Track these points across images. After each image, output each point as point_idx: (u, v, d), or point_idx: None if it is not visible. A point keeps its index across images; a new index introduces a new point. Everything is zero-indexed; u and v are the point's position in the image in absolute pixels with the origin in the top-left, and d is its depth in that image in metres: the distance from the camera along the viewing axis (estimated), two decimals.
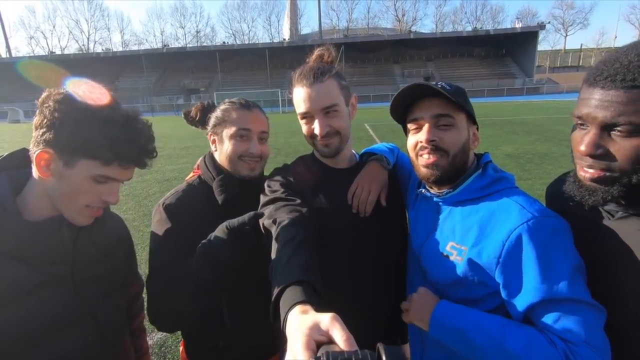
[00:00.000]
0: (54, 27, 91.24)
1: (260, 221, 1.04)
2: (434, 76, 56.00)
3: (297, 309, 0.63)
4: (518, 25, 65.52)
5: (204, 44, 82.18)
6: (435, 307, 0.96)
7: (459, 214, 1.02)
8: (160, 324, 1.14)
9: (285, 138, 13.73)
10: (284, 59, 60.85)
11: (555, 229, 0.87)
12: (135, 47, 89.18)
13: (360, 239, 1.17)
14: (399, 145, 1.45)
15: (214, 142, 1.30)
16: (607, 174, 0.79)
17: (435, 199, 1.08)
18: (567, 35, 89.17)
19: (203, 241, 1.08)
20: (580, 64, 70.03)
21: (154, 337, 2.82)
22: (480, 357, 0.87)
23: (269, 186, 1.19)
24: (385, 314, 1.22)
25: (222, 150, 1.26)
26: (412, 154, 1.07)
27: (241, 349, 1.27)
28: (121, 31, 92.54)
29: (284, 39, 77.25)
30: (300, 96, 1.14)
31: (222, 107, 1.29)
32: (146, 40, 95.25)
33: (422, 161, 1.03)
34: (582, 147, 0.80)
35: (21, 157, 0.95)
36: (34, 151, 0.85)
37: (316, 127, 1.14)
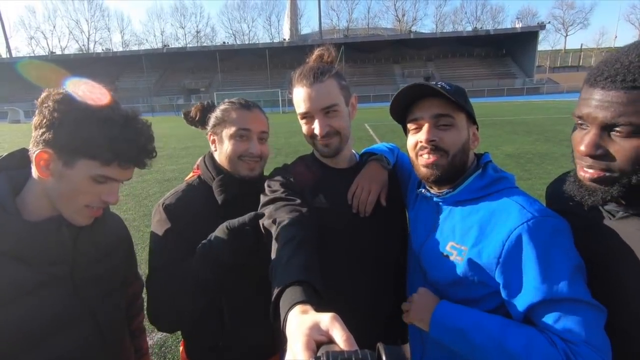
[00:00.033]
0: (54, 27, 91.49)
1: (260, 221, 1.04)
2: (434, 76, 56.01)
3: (297, 308, 0.63)
4: (518, 25, 65.53)
5: (204, 44, 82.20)
6: (435, 308, 0.96)
7: (459, 214, 1.02)
8: (160, 324, 1.14)
9: (285, 138, 13.73)
10: (284, 59, 60.86)
11: (555, 229, 0.87)
12: (135, 47, 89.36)
13: (360, 239, 1.17)
14: (399, 145, 1.44)
15: (213, 142, 1.30)
16: (607, 174, 0.79)
17: (435, 198, 1.08)
18: (567, 35, 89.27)
19: (203, 241, 1.08)
20: (581, 64, 70.04)
21: (154, 337, 2.82)
22: (480, 357, 0.87)
23: (269, 186, 1.19)
24: (385, 314, 1.22)
25: (222, 150, 1.26)
26: (412, 154, 1.07)
27: (241, 349, 1.27)
28: (121, 31, 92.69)
29: (284, 39, 77.29)
30: (300, 96, 1.14)
31: (222, 107, 1.28)
32: (146, 40, 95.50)
33: (422, 161, 1.03)
34: (582, 147, 0.81)
35: (21, 157, 0.95)
36: (34, 151, 0.85)
37: (316, 127, 1.14)
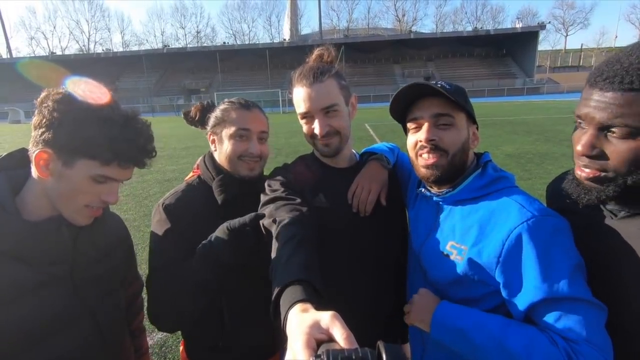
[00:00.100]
0: (54, 27, 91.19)
1: (261, 221, 1.04)
2: (434, 76, 55.98)
3: (297, 307, 0.63)
4: (518, 25, 65.53)
5: (205, 44, 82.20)
6: (435, 308, 0.96)
7: (459, 213, 1.02)
8: (161, 324, 1.14)
9: (285, 138, 13.73)
10: (284, 59, 60.84)
11: (555, 228, 0.87)
12: (135, 48, 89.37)
13: (360, 239, 1.17)
14: (399, 145, 1.44)
15: (213, 142, 1.30)
16: (602, 174, 0.80)
17: (435, 198, 1.08)
18: (567, 35, 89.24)
19: (203, 242, 1.07)
20: (581, 64, 69.97)
21: (154, 337, 2.82)
22: (481, 357, 0.87)
23: (269, 185, 1.19)
24: (385, 313, 1.22)
25: (222, 150, 1.26)
26: (411, 154, 1.07)
27: (241, 349, 1.27)
28: (122, 31, 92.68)
29: (284, 39, 77.31)
30: (300, 96, 1.14)
31: (222, 107, 1.28)
32: (146, 40, 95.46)
33: (422, 162, 1.03)
34: (579, 147, 0.82)
35: (20, 157, 0.95)
36: (33, 151, 0.85)
37: (316, 127, 1.14)
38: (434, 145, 0.99)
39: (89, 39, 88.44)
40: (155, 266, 1.15)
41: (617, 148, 0.76)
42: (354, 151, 1.35)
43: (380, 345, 0.44)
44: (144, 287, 1.19)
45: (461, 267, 0.95)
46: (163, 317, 1.13)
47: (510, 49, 61.06)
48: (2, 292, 0.82)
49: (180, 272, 1.09)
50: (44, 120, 0.83)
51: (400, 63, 63.94)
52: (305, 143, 1.24)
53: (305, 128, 1.19)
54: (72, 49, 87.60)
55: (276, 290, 0.72)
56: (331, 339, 0.52)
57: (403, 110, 1.08)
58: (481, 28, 74.58)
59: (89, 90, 0.88)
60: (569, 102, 29.35)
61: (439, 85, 0.96)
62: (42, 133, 0.84)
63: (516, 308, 0.87)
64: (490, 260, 0.90)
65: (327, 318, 0.54)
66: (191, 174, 1.38)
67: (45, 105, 0.84)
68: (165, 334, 2.82)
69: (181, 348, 1.39)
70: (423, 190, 1.12)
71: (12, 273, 0.83)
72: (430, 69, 59.50)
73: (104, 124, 0.86)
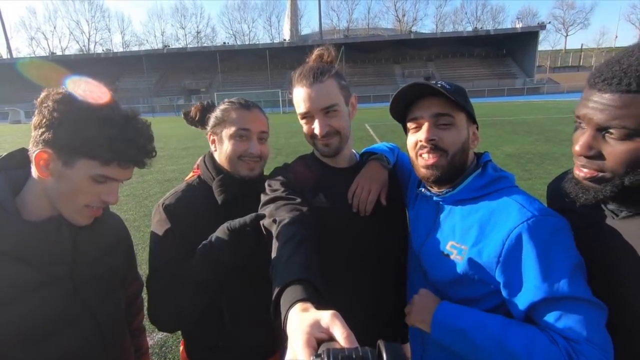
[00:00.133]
0: (54, 28, 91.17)
1: (261, 221, 1.04)
2: (434, 76, 55.98)
3: (298, 306, 0.63)
4: (518, 25, 65.52)
5: (205, 45, 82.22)
6: (436, 309, 0.96)
7: (459, 213, 1.02)
8: (161, 324, 1.14)
9: (285, 138, 13.74)
10: (284, 59, 60.86)
11: (555, 228, 0.87)
12: (135, 48, 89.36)
13: (360, 239, 1.17)
14: (399, 145, 1.44)
15: (213, 142, 1.30)
16: (600, 174, 0.81)
17: (435, 198, 1.08)
18: (567, 35, 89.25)
19: (204, 242, 1.08)
20: (581, 64, 69.95)
21: (154, 337, 2.82)
22: (481, 357, 0.87)
23: (269, 185, 1.19)
24: (385, 313, 1.22)
25: (222, 150, 1.26)
26: (411, 154, 1.07)
27: (241, 349, 1.27)
28: (122, 32, 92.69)
29: (285, 40, 77.33)
30: (300, 96, 1.14)
31: (222, 107, 1.28)
32: (147, 40, 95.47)
33: (422, 162, 1.03)
34: (577, 147, 0.83)
35: (20, 157, 0.95)
36: (33, 151, 0.85)
37: (316, 127, 1.14)
38: (434, 145, 0.99)
39: (89, 39, 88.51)
40: (155, 266, 1.15)
41: (614, 149, 0.77)
42: (354, 151, 1.35)
43: (381, 344, 0.44)
44: (144, 287, 1.19)
45: (461, 267, 0.95)
46: (163, 317, 1.13)
47: (511, 49, 61.06)
48: (2, 292, 0.82)
49: (181, 272, 1.09)
50: (44, 120, 0.83)
51: (400, 63, 63.95)
52: (305, 143, 1.24)
53: (305, 128, 1.19)
54: (72, 49, 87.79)
55: (276, 290, 0.72)
56: (331, 338, 0.52)
57: (403, 110, 1.08)
58: (481, 28, 74.59)
59: (89, 90, 0.88)
60: (569, 102, 29.35)
61: (439, 85, 0.96)
62: (42, 133, 0.84)
63: (516, 308, 0.87)
64: (490, 260, 0.90)
65: (327, 317, 0.54)
66: (191, 174, 1.39)
67: (46, 105, 0.84)
68: (165, 334, 2.82)
69: (181, 348, 1.39)
70: (423, 190, 1.12)
71: (12, 273, 0.83)
72: (430, 69, 59.51)
73: (104, 124, 0.86)
